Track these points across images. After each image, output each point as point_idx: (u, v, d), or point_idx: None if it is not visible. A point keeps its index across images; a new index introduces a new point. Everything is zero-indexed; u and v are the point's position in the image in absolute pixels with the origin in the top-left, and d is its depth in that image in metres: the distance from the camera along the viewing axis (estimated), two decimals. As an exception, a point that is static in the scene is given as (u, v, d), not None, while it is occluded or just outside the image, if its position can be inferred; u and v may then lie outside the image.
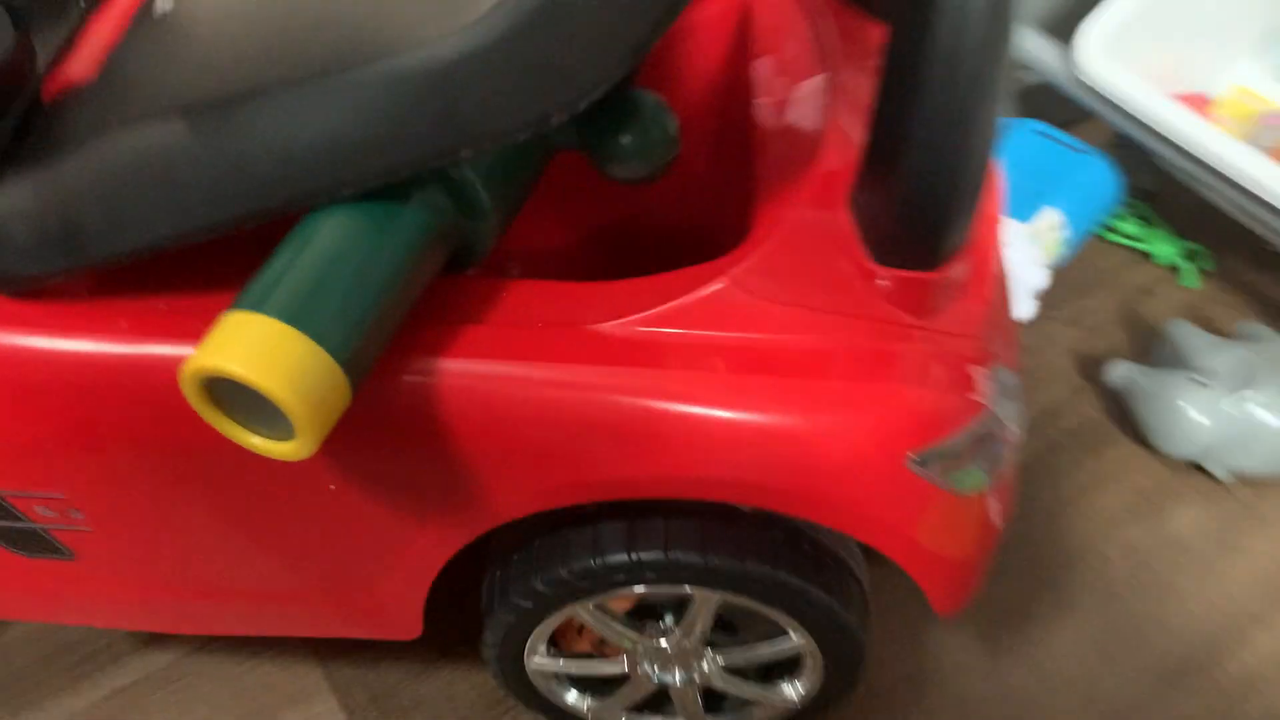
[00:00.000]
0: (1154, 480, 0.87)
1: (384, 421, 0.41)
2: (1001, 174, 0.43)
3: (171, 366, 0.41)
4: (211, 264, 0.43)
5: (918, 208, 0.38)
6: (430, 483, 0.44)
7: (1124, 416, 0.84)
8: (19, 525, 0.48)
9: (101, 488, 0.46)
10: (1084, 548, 0.84)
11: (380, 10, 0.37)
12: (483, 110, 0.34)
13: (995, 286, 0.44)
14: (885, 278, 0.41)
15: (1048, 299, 0.86)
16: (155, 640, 0.87)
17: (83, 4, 0.46)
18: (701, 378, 0.40)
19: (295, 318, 0.34)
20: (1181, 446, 0.88)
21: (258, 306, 0.34)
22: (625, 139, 0.42)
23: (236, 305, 0.35)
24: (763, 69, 0.50)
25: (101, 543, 0.49)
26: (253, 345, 0.33)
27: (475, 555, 0.54)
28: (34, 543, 0.50)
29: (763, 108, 0.49)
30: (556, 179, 0.49)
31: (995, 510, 0.47)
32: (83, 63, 0.44)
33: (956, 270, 0.41)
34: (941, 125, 0.35)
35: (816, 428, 0.41)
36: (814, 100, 0.46)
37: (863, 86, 0.47)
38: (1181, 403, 0.85)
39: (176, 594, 0.51)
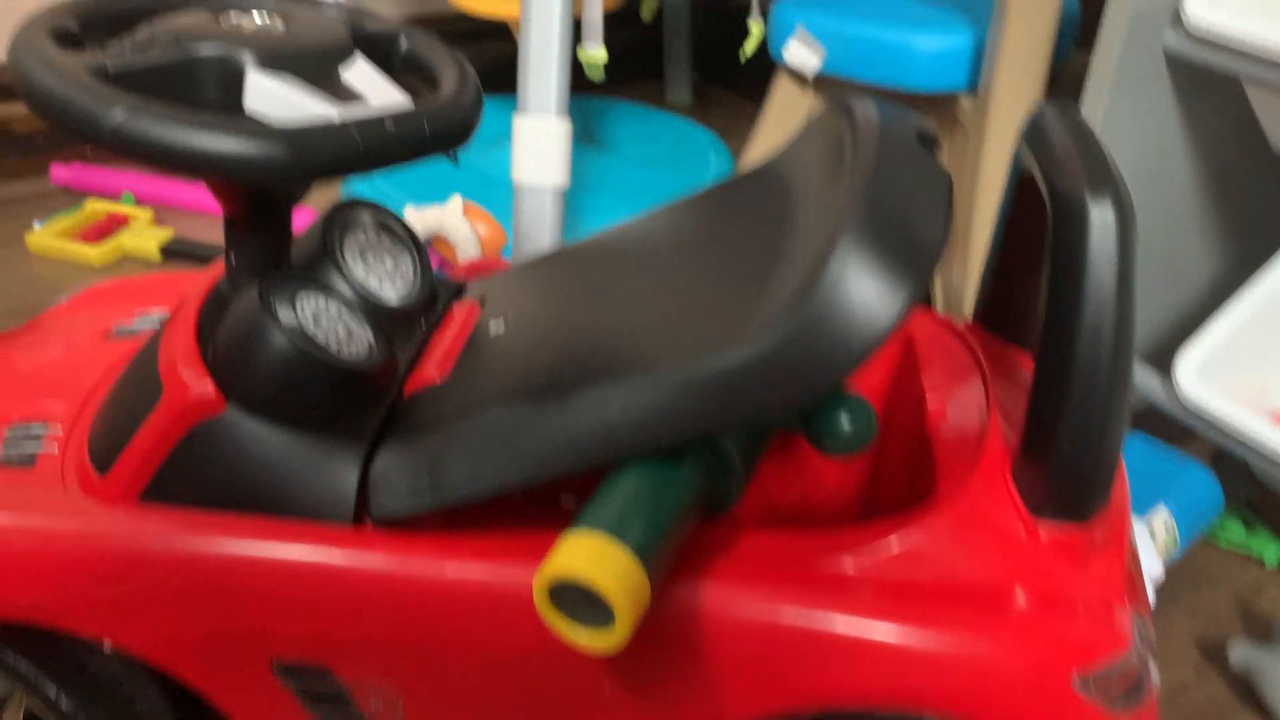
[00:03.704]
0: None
1: (653, 638, 0.50)
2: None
3: (503, 583, 0.52)
4: (519, 509, 0.56)
5: (1069, 475, 0.50)
6: (675, 689, 0.53)
7: (1249, 694, 0.87)
8: (351, 714, 0.56)
9: (428, 684, 0.55)
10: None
11: (660, 328, 0.53)
12: (757, 399, 0.46)
13: (1131, 550, 0.55)
14: (1045, 531, 0.51)
15: (1164, 593, 0.93)
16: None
17: (424, 328, 0.62)
18: (908, 610, 0.50)
19: (619, 534, 0.45)
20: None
21: (592, 526, 0.46)
22: (843, 423, 0.54)
23: (576, 526, 0.46)
24: (927, 378, 0.64)
25: None
26: (590, 554, 0.45)
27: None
28: None
29: (931, 404, 0.62)
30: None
31: None
32: (430, 369, 0.59)
33: (1100, 530, 0.52)
34: (1086, 417, 0.49)
35: (1000, 652, 0.49)
36: (976, 399, 0.60)
37: (1011, 389, 0.60)
38: None
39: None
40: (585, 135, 1.62)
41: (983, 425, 0.57)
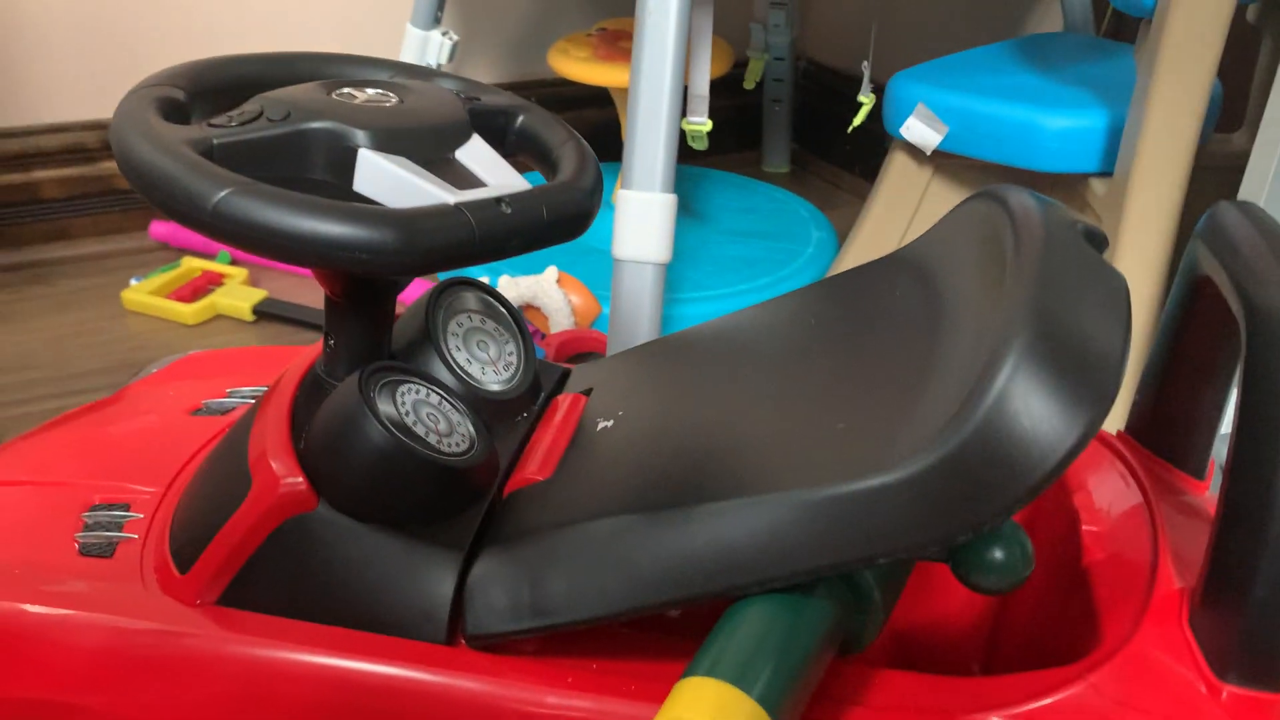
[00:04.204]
0: None
1: None
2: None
3: (608, 716, 0.47)
4: (622, 633, 0.50)
5: (1264, 633, 0.43)
6: None
7: None
8: None
9: None
10: None
11: (792, 439, 0.48)
12: (900, 531, 0.42)
13: None
14: (1229, 694, 0.44)
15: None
16: None
17: (527, 419, 0.58)
18: None
19: (742, 683, 0.40)
20: None
21: (711, 673, 0.41)
22: (997, 554, 0.46)
23: (693, 671, 0.41)
24: (1082, 500, 0.57)
25: None
26: (710, 704, 0.39)
27: None
28: None
29: (1090, 534, 0.55)
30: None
31: None
32: (533, 466, 0.54)
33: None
34: None
35: None
36: (1140, 530, 0.52)
37: (1180, 520, 0.53)
38: None
39: None
40: (681, 205, 1.58)
41: (1151, 560, 0.50)
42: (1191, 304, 0.54)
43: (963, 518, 0.41)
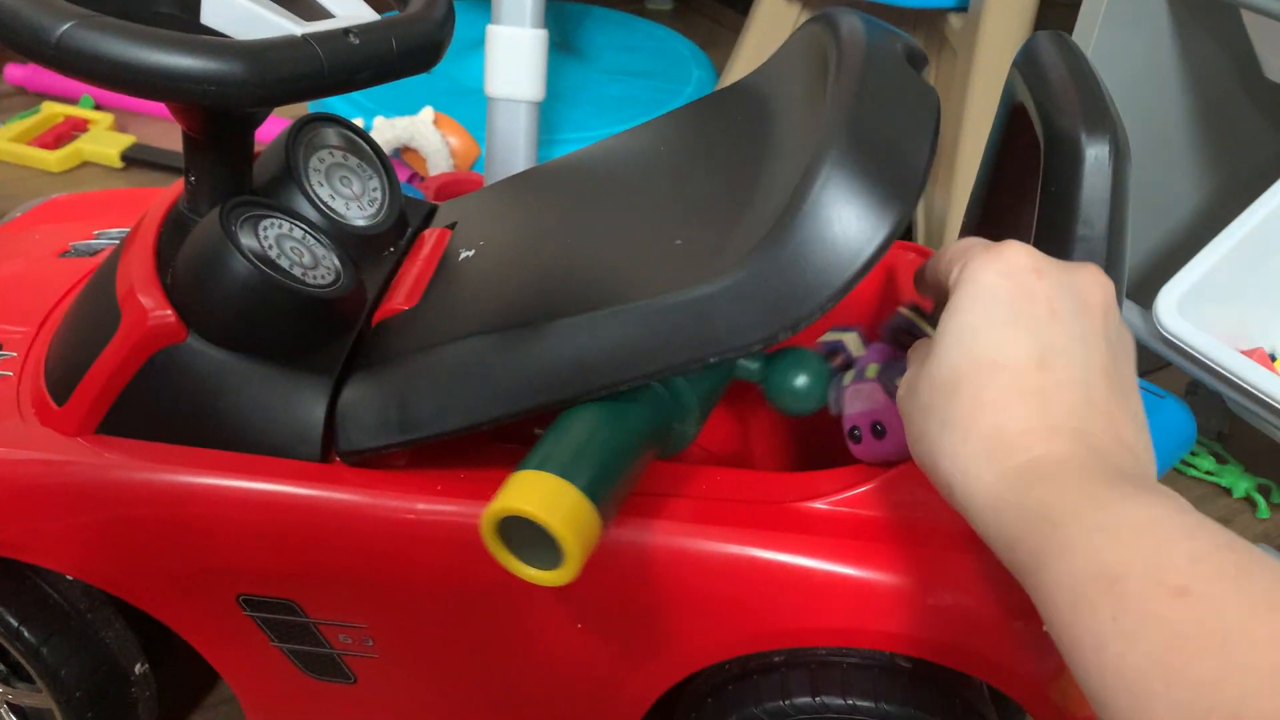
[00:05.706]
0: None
1: (614, 573, 0.50)
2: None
3: (472, 519, 0.51)
4: (489, 446, 0.55)
5: None
6: (646, 628, 0.52)
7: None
8: (320, 650, 0.56)
9: (394, 619, 0.54)
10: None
11: (636, 257, 0.51)
12: (730, 333, 0.45)
13: None
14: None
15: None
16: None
17: (393, 253, 0.60)
18: (882, 549, 0.49)
19: (568, 475, 0.43)
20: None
21: (542, 467, 0.44)
22: (801, 382, 0.51)
23: (525, 466, 0.44)
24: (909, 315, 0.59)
25: (382, 668, 0.57)
26: (537, 492, 0.42)
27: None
28: (327, 666, 0.57)
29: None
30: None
31: None
32: (399, 297, 0.56)
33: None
34: None
35: (971, 595, 0.48)
36: None
37: None
38: None
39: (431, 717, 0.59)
40: (562, 44, 1.57)
41: None
42: (1008, 130, 0.58)
43: (784, 317, 0.45)
